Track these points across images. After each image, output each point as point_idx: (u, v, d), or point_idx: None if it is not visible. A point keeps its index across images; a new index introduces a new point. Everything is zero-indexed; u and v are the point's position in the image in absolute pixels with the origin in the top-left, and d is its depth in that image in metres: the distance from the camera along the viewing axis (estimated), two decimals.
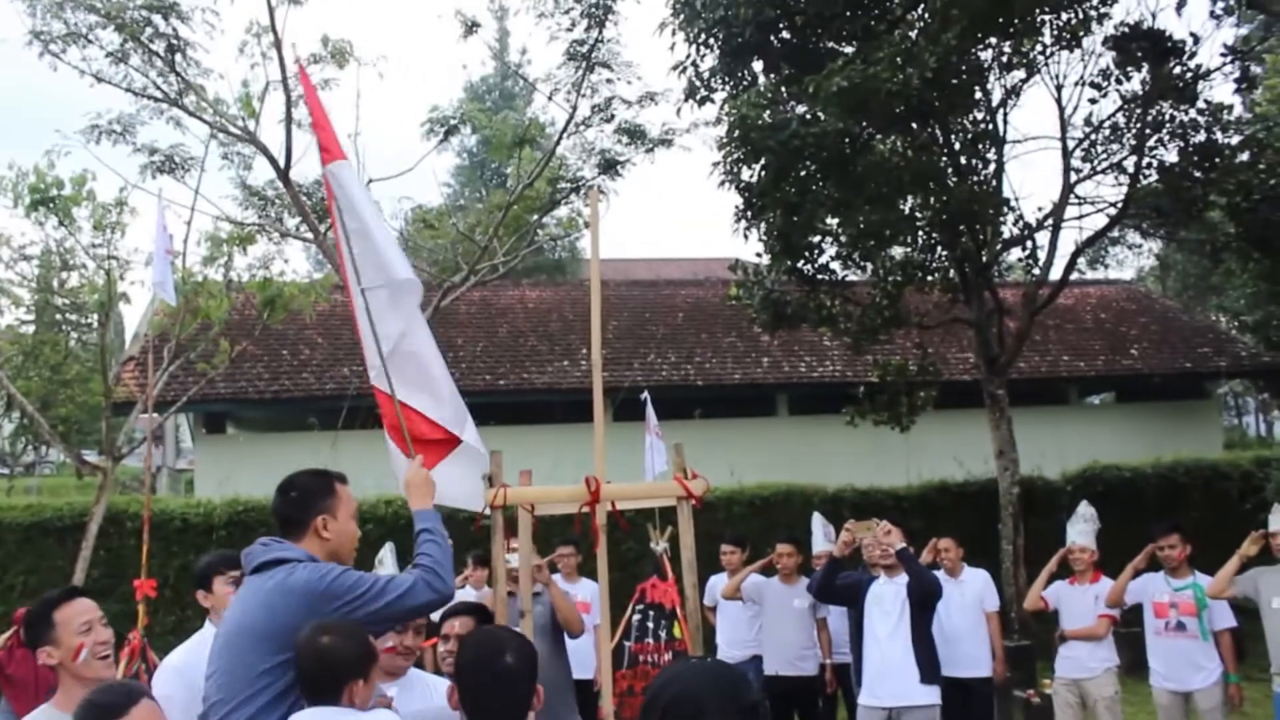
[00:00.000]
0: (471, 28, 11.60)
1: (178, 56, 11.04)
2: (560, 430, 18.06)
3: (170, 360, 13.02)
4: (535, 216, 13.70)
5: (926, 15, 11.34)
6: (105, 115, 11.36)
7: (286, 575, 3.27)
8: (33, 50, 10.88)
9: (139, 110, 11.54)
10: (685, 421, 18.67)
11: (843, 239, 14.66)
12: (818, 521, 9.43)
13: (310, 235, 12.03)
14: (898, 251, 15.61)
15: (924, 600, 7.36)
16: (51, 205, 11.53)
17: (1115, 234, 21.49)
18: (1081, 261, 21.53)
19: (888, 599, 7.49)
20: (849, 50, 12.85)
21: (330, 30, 14.28)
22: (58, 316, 18.43)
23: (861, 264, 15.24)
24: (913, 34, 11.67)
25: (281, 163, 11.39)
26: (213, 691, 3.18)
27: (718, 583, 9.77)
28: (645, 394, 12.95)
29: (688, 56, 12.99)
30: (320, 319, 17.72)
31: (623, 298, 22.82)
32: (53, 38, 10.80)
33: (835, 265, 15.16)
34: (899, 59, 11.10)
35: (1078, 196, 15.38)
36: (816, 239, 14.62)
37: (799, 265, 14.61)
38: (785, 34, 13.27)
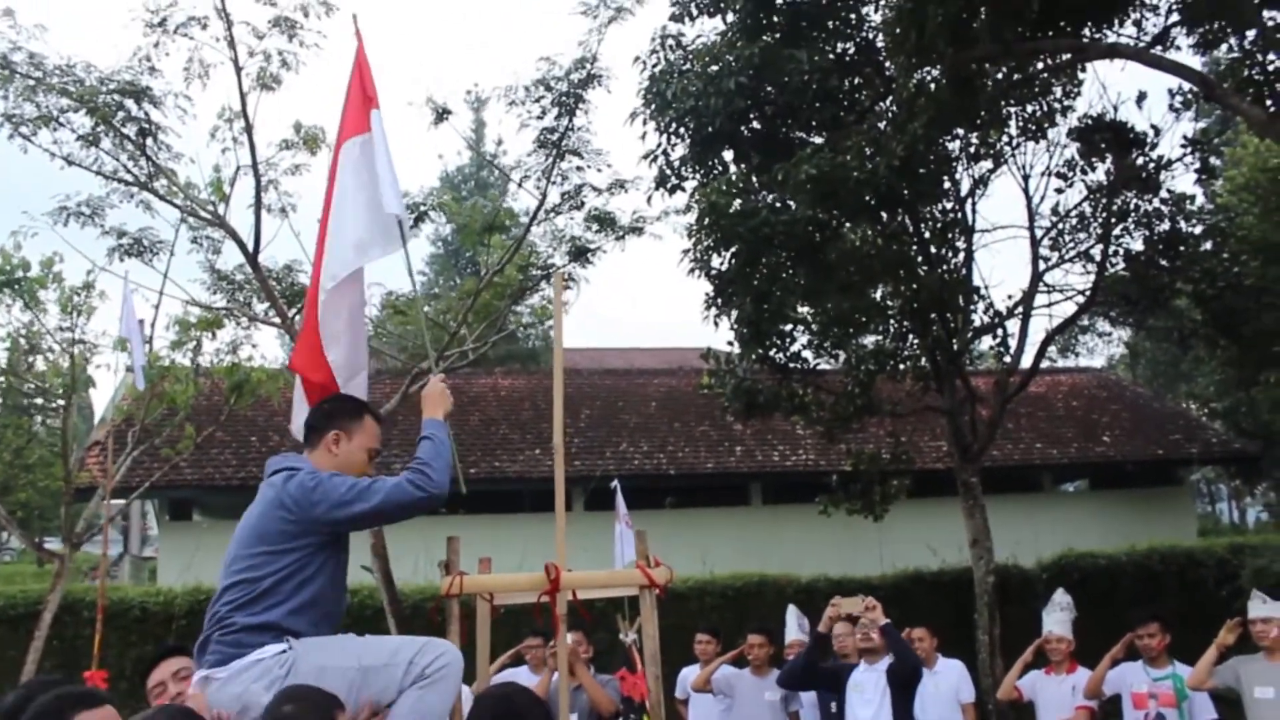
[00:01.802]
0: (442, 115, 11.68)
1: (149, 140, 11.05)
2: (530, 520, 17.82)
3: (134, 445, 12.79)
4: (505, 303, 13.66)
5: (894, 106, 11.50)
6: (74, 197, 11.33)
7: (286, 479, 3.57)
8: (2, 132, 10.85)
9: (109, 193, 11.51)
10: (657, 511, 18.52)
11: (814, 327, 14.70)
12: (792, 613, 9.29)
13: (278, 320, 11.93)
14: (869, 340, 15.65)
15: (906, 682, 7.22)
16: (16, 287, 11.41)
17: (1085, 322, 21.66)
18: (1052, 349, 21.68)
19: (868, 687, 7.36)
20: (819, 140, 13.03)
21: (303, 115, 14.32)
22: (24, 401, 18.16)
23: (833, 352, 15.25)
24: (881, 124, 11.83)
25: (251, 247, 11.33)
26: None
27: (689, 674, 9.54)
28: (615, 483, 12.80)
29: (659, 145, 13.13)
30: (288, 405, 17.52)
31: (595, 386, 22.75)
32: (24, 120, 10.78)
33: (807, 353, 15.18)
34: (867, 148, 11.24)
35: (1046, 285, 15.55)
36: (787, 327, 14.66)
37: (770, 353, 14.60)
38: (756, 124, 13.45)
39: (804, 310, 14.21)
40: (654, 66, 13.26)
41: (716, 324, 13.17)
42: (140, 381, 9.79)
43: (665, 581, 4.84)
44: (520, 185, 11.63)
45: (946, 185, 14.98)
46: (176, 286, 12.23)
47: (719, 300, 13.06)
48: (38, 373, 13.78)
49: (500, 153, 12.56)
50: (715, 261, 12.93)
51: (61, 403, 12.89)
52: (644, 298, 71.90)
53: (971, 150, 14.96)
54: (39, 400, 15.63)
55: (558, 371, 5.22)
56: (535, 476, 19.18)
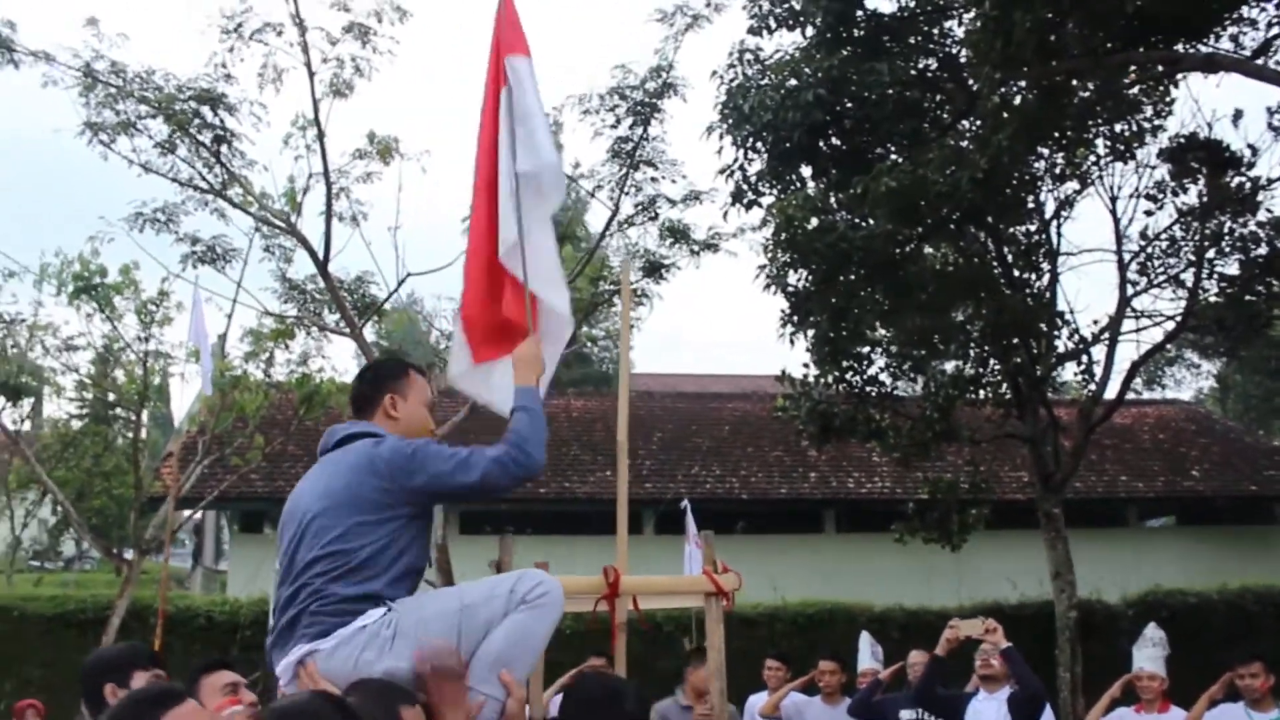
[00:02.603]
0: None
1: (223, 147, 11.13)
2: (600, 541, 17.56)
3: (203, 455, 12.85)
4: (578, 317, 13.48)
5: (978, 120, 11.17)
6: (150, 204, 11.43)
7: (375, 444, 3.34)
8: (82, 140, 11.01)
9: (184, 200, 11.60)
10: (727, 536, 18.15)
11: (892, 348, 14.34)
12: (865, 640, 8.91)
13: (348, 330, 11.90)
14: (949, 364, 15.24)
15: (1031, 712, 6.80)
16: (93, 293, 11.54)
17: (1173, 353, 20.97)
18: (1138, 380, 20.99)
19: (988, 716, 6.95)
20: (898, 155, 12.73)
21: (377, 123, 14.39)
22: (105, 410, 18.45)
23: (912, 376, 14.86)
24: (963, 140, 11.49)
25: (321, 256, 11.33)
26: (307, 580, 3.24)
27: (756, 702, 9.18)
28: (685, 503, 12.55)
29: (735, 160, 12.90)
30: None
31: (668, 410, 22.54)
32: (104, 128, 10.91)
33: (885, 377, 14.82)
34: (949, 161, 10.91)
35: (1134, 310, 15.00)
36: (865, 349, 14.33)
37: (847, 376, 14.28)
38: (834, 138, 13.18)
39: (882, 331, 13.85)
40: (731, 80, 13.06)
41: (792, 342, 12.89)
42: (208, 388, 9.77)
43: (733, 589, 4.50)
44: (593, 195, 11.46)
45: (1031, 206, 14.60)
46: (249, 295, 12.31)
47: (795, 318, 12.77)
48: (115, 382, 13.95)
49: (576, 170, 12.48)
50: (791, 278, 12.66)
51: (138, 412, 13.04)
52: (719, 318, 71.61)
53: (1057, 170, 14.52)
54: (118, 410, 15.81)
55: (624, 366, 4.96)
56: (606, 498, 18.91)
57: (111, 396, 14.05)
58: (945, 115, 12.79)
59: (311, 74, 10.85)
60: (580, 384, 27.52)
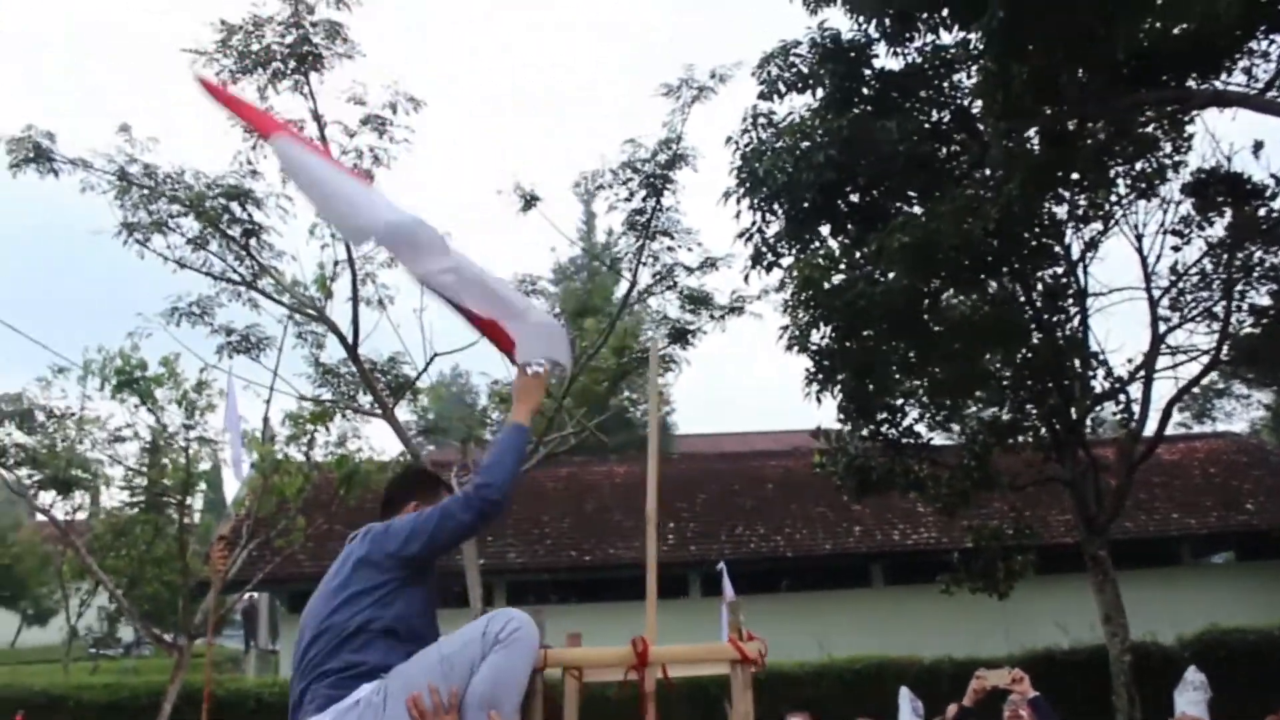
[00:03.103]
0: (530, 202, 11.87)
1: (252, 241, 11.50)
2: (645, 607, 17.60)
3: (248, 539, 13.11)
4: (605, 386, 13.67)
5: (988, 170, 11.27)
6: (185, 298, 11.82)
7: (362, 537, 3.68)
8: (118, 239, 11.43)
9: (217, 293, 11.99)
10: (772, 595, 18.13)
11: (924, 399, 14.33)
12: (905, 695, 8.90)
13: (380, 412, 12.16)
14: (985, 411, 15.18)
15: None
16: (135, 387, 11.91)
17: (1220, 385, 20.68)
18: (1186, 415, 20.76)
19: None
20: (916, 209, 12.83)
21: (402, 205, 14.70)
22: (157, 497, 18.88)
23: (946, 425, 14.82)
24: (975, 191, 11.57)
25: (350, 340, 11.62)
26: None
27: None
28: (721, 564, 12.57)
29: (753, 223, 13.06)
30: None
31: (710, 470, 22.58)
32: (139, 227, 11.33)
33: (920, 428, 14.79)
34: (961, 213, 11.00)
35: (1169, 346, 14.87)
36: (898, 401, 14.32)
37: (881, 429, 14.27)
38: (852, 196, 13.32)
39: (910, 383, 13.85)
40: (745, 145, 13.28)
41: (819, 400, 12.93)
42: (238, 474, 10.04)
43: (758, 655, 4.59)
44: (609, 268, 11.67)
45: (1057, 249, 14.60)
46: (284, 381, 12.65)
47: (820, 376, 12.82)
48: (162, 471, 14.31)
49: (611, 242, 12.75)
50: (815, 337, 12.74)
51: (183, 498, 13.35)
52: (763, 375, 71.55)
53: (1080, 212, 14.54)
54: (166, 498, 16.18)
55: (653, 435, 5.09)
56: None
57: (161, 483, 14.41)
58: (958, 167, 12.89)
59: None
60: (623, 448, 27.62)
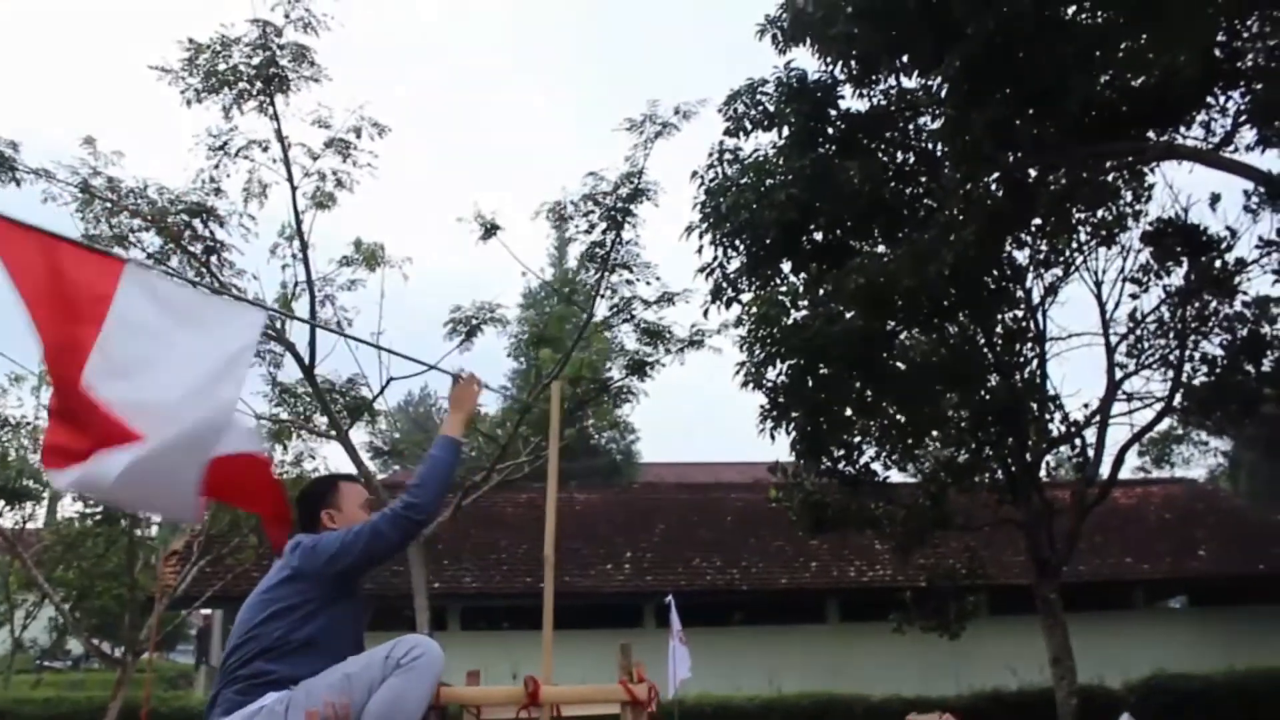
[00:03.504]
0: (490, 230, 11.91)
1: (213, 258, 11.48)
2: (600, 635, 17.56)
3: (198, 556, 13.03)
4: (566, 418, 13.66)
5: (946, 214, 11.40)
6: None
7: (290, 549, 3.73)
8: None
9: None
10: (725, 628, 18.13)
11: (877, 437, 14.41)
12: None
13: (334, 433, 12.14)
14: (944, 451, 15.28)
15: None
16: None
17: (1179, 431, 20.89)
18: (1145, 460, 20.92)
19: None
20: (880, 249, 12.96)
21: (360, 230, 14.80)
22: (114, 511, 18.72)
23: (902, 464, 14.90)
24: (933, 234, 11.70)
25: (307, 361, 11.61)
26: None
27: None
28: (669, 598, 12.58)
29: (715, 259, 13.14)
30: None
31: (671, 501, 22.60)
32: (100, 240, 11.29)
33: (876, 466, 14.85)
34: (917, 257, 11.11)
35: (1125, 393, 15.04)
36: (855, 438, 14.38)
37: (838, 466, 14.33)
38: (816, 234, 13.42)
39: (865, 422, 13.93)
40: (710, 180, 13.37)
41: (773, 437, 12.97)
42: None
43: (649, 698, 4.66)
44: (566, 300, 11.73)
45: (1018, 293, 14.76)
46: (241, 400, 12.55)
47: (774, 413, 12.88)
48: None
49: (573, 272, 12.76)
50: (770, 373, 12.80)
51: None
52: (737, 406, 71.67)
53: (1041, 257, 14.72)
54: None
55: (551, 481, 5.20)
56: (607, 591, 19.01)
57: None
58: (920, 210, 13.01)
59: (294, 188, 11.23)
60: (586, 476, 27.62)
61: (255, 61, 10.70)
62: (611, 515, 21.87)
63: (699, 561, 19.67)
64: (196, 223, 11.32)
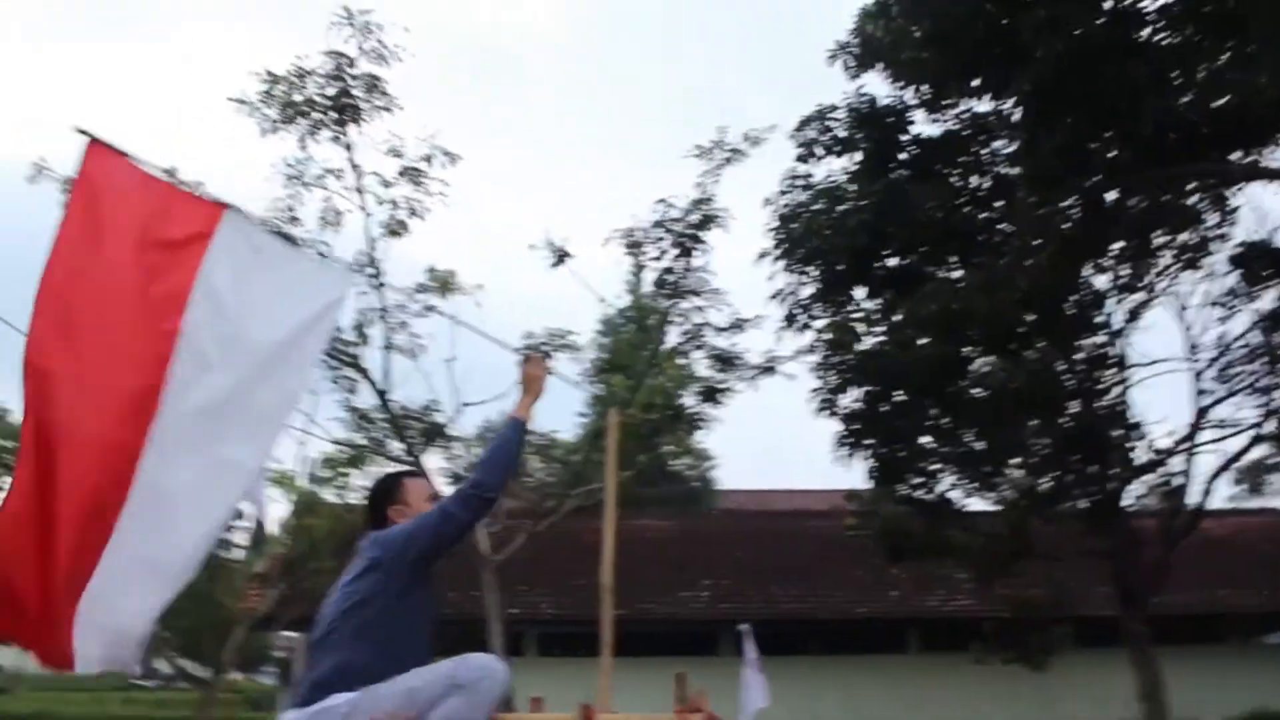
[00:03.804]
0: (562, 256, 12.02)
1: None
2: (675, 663, 17.49)
3: (279, 579, 13.31)
4: (635, 444, 13.72)
5: (1019, 239, 11.25)
6: None
7: (369, 544, 3.78)
8: None
9: None
10: (803, 657, 17.93)
11: (956, 465, 14.19)
12: None
13: (410, 460, 12.33)
14: (1024, 479, 14.98)
15: None
16: None
17: (1274, 459, 20.18)
18: (1239, 489, 20.25)
19: None
20: (957, 274, 12.82)
21: (435, 259, 15.08)
22: None
23: (980, 492, 14.64)
24: (1007, 260, 11.55)
25: (382, 388, 11.84)
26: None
27: None
28: (745, 627, 12.51)
29: (787, 285, 13.12)
30: None
31: (749, 528, 22.48)
32: None
33: (955, 494, 14.62)
34: (992, 283, 10.97)
35: (1213, 419, 14.59)
36: (933, 466, 14.18)
37: (916, 494, 14.14)
38: (890, 260, 13.33)
39: (942, 449, 13.74)
40: (783, 207, 13.36)
41: (849, 465, 12.88)
42: (261, 513, 10.23)
43: None
44: (638, 327, 11.80)
45: (1099, 319, 14.46)
46: (317, 425, 12.93)
47: (850, 440, 12.78)
48: None
49: (647, 298, 12.83)
50: (845, 400, 12.73)
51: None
52: (808, 433, 70.90)
53: (1122, 282, 14.41)
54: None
55: (609, 508, 5.24)
56: (682, 619, 18.94)
57: None
58: (995, 235, 12.85)
59: (367, 216, 11.50)
60: (664, 503, 27.55)
61: (330, 92, 11.01)
62: (688, 542, 21.80)
63: (776, 590, 19.51)
64: None
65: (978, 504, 15.17)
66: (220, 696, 13.30)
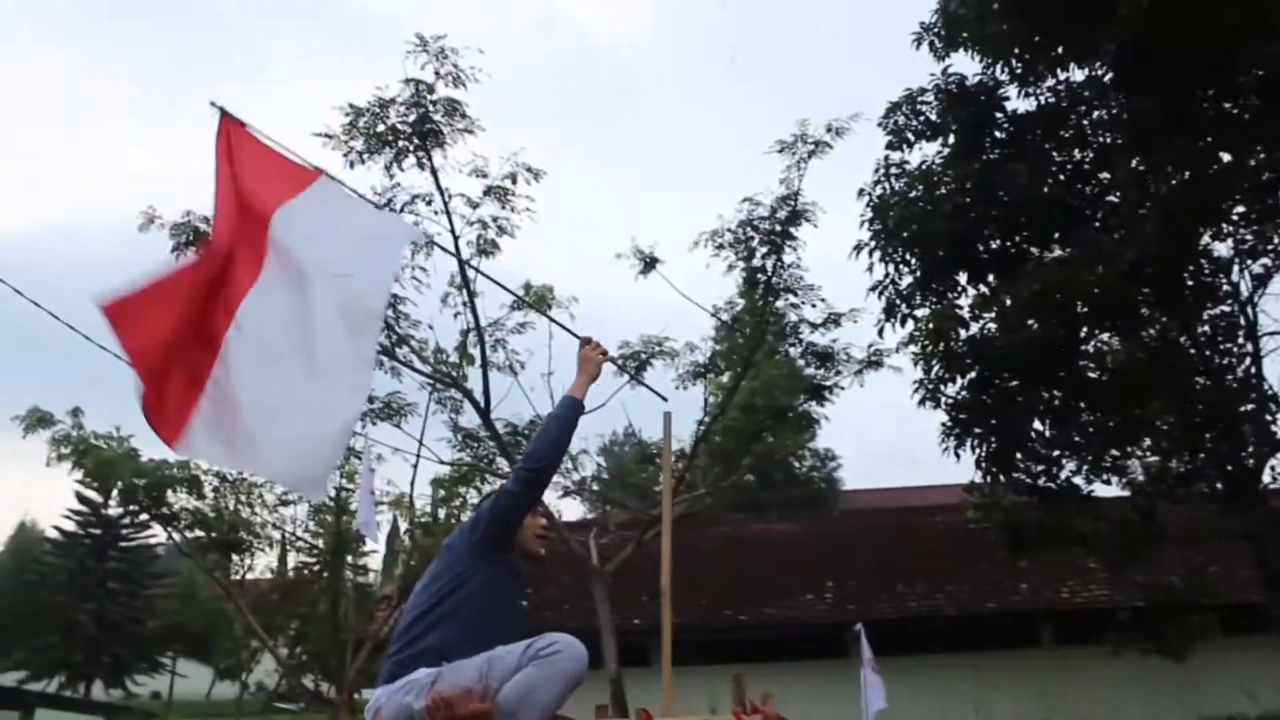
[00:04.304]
0: (650, 264, 11.97)
1: (389, 310, 11.97)
2: (803, 667, 17.32)
3: (398, 600, 13.53)
4: (740, 445, 13.58)
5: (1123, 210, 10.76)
6: None
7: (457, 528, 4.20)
8: None
9: None
10: (931, 655, 17.47)
11: (1077, 449, 13.64)
12: None
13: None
14: (1151, 460, 14.33)
15: None
16: None
17: None
18: None
19: None
20: (1056, 253, 12.35)
21: (530, 275, 15.17)
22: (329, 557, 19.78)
23: (1105, 476, 14.04)
24: (1110, 234, 11.05)
25: (483, 406, 11.95)
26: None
27: None
28: (858, 627, 12.24)
29: (886, 276, 12.81)
30: (552, 559, 17.77)
31: (874, 526, 22.08)
32: None
33: (1078, 480, 14.05)
34: (1096, 257, 10.51)
35: None
36: (1053, 452, 13.67)
37: (1037, 481, 13.64)
38: (993, 242, 12.92)
39: (1061, 434, 13.21)
40: (877, 196, 13.06)
41: (957, 455, 12.46)
42: (372, 536, 10.44)
43: None
44: (732, 328, 11.67)
45: (1224, 287, 13.75)
46: (426, 448, 13.20)
47: (956, 430, 12.39)
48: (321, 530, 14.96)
49: (754, 299, 12.74)
50: (951, 390, 12.34)
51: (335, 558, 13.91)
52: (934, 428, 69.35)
53: (1246, 246, 13.67)
54: (325, 558, 16.88)
55: (666, 511, 5.21)
56: (808, 622, 18.68)
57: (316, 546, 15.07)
58: (1101, 207, 12.32)
59: (456, 238, 11.63)
60: (789, 506, 27.28)
61: (411, 119, 11.17)
62: (811, 545, 21.53)
63: (902, 588, 19.10)
64: None
65: (1103, 489, 14.60)
66: (346, 716, 13.55)
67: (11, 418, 14.03)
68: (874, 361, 13.26)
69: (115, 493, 15.81)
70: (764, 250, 11.86)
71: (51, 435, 13.81)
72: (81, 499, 31.87)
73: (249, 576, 17.62)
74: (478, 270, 10.53)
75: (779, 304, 12.20)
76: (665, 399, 5.48)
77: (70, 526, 35.00)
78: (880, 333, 12.89)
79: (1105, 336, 13.03)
